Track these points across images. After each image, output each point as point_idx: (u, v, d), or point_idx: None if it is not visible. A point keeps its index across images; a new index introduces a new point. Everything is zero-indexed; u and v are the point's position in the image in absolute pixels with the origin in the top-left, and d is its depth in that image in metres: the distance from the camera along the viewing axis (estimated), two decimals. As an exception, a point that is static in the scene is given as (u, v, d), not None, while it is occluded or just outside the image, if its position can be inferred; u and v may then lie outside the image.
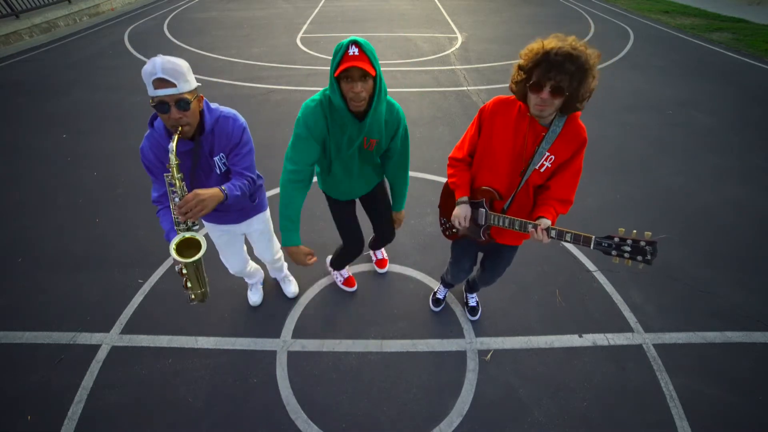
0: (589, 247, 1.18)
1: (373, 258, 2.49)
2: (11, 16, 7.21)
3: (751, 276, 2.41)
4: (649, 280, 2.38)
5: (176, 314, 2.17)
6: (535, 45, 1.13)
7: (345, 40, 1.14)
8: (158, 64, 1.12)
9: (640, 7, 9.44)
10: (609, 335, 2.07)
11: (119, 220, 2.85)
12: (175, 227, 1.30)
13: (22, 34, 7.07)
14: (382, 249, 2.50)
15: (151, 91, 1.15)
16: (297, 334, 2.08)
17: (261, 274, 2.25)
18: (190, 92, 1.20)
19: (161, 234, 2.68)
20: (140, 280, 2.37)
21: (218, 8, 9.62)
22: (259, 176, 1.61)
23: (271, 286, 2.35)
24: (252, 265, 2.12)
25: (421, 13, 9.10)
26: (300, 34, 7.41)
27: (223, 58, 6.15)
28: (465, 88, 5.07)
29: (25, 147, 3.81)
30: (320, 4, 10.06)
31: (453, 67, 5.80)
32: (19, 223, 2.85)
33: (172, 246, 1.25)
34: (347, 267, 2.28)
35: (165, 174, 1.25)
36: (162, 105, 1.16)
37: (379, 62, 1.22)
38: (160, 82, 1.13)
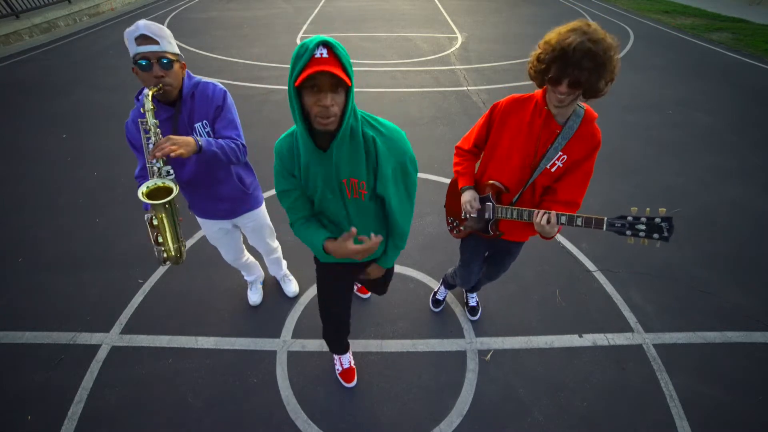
0: (602, 228, 1.16)
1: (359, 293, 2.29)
2: (11, 16, 7.21)
3: (751, 276, 2.41)
4: (649, 279, 2.38)
5: (176, 314, 2.17)
6: (554, 37, 1.09)
7: (310, 40, 0.86)
8: (141, 23, 1.17)
9: (640, 7, 9.45)
10: (609, 335, 2.07)
11: (119, 220, 2.85)
12: (149, 175, 1.25)
13: (22, 34, 7.07)
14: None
15: (133, 49, 1.16)
16: (297, 334, 2.08)
17: (260, 272, 2.25)
18: (172, 54, 1.23)
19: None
20: (140, 280, 2.37)
21: (218, 8, 9.62)
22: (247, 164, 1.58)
23: (271, 286, 2.35)
24: (248, 257, 2.09)
25: (421, 13, 9.10)
26: (300, 34, 7.41)
27: (223, 58, 6.15)
28: (465, 88, 5.07)
29: (25, 147, 3.81)
30: (320, 4, 10.06)
31: (453, 67, 5.80)
32: (19, 223, 2.85)
33: (142, 190, 1.19)
34: (350, 354, 1.90)
35: (140, 119, 1.22)
36: (144, 62, 1.17)
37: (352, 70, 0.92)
38: (143, 39, 1.15)
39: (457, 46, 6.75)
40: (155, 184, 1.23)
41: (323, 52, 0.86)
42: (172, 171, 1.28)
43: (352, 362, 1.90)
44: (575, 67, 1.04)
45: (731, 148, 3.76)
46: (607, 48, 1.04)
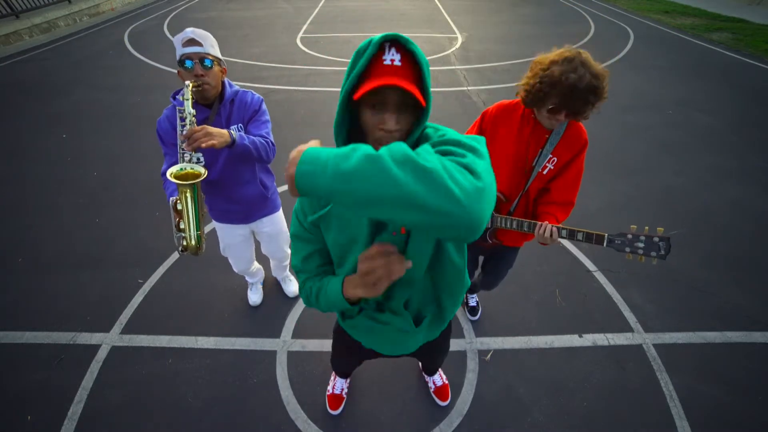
0: (602, 245, 1.19)
1: (431, 386, 1.81)
2: (11, 16, 7.21)
3: (751, 276, 2.40)
4: (649, 280, 2.38)
5: (176, 314, 2.17)
6: (557, 71, 1.08)
7: (377, 37, 0.65)
8: (189, 30, 1.28)
9: (640, 7, 9.44)
10: (609, 335, 2.07)
11: (119, 220, 2.85)
12: (179, 160, 1.28)
13: (22, 34, 7.07)
14: (440, 371, 1.83)
15: (180, 51, 1.28)
16: (297, 334, 2.08)
17: (262, 273, 2.26)
18: (214, 57, 1.33)
19: (161, 234, 2.68)
20: (140, 280, 2.37)
21: (218, 8, 9.62)
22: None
23: (271, 286, 2.35)
24: (255, 265, 2.12)
25: (421, 13, 9.10)
26: (300, 34, 7.41)
27: (223, 58, 6.14)
28: (465, 88, 5.07)
29: (25, 147, 3.80)
30: (320, 4, 10.06)
31: (453, 67, 5.80)
32: (19, 223, 2.85)
33: (171, 171, 1.21)
34: (346, 381, 1.79)
35: (178, 107, 1.27)
36: (187, 61, 1.27)
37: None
38: (189, 42, 1.26)
39: (457, 46, 6.74)
40: (184, 169, 1.25)
41: (395, 58, 0.65)
42: (202, 158, 1.32)
43: (346, 390, 1.78)
44: (581, 102, 1.09)
45: (731, 148, 3.76)
46: (604, 79, 1.09)
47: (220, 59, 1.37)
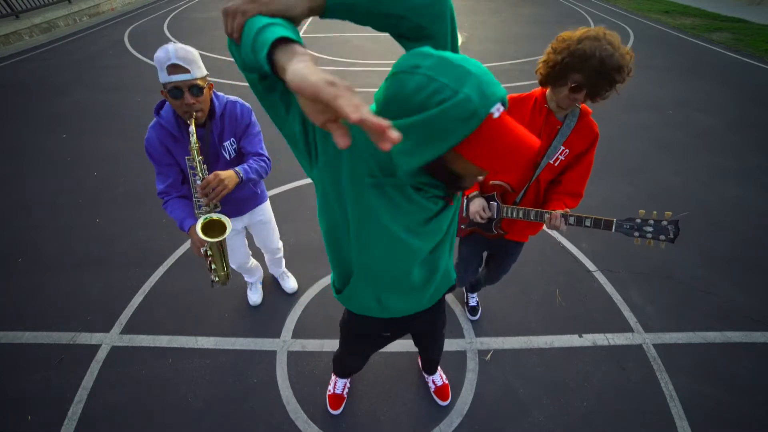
0: (611, 230, 1.21)
1: (431, 386, 1.82)
2: (11, 16, 7.21)
3: (750, 276, 2.41)
4: (649, 280, 2.38)
5: (176, 314, 2.17)
6: (588, 45, 1.04)
7: (481, 89, 0.55)
8: (171, 50, 1.15)
9: (640, 7, 9.44)
10: (609, 335, 2.07)
11: (119, 220, 2.85)
12: (196, 210, 1.35)
13: (22, 34, 7.07)
14: (440, 371, 1.84)
15: (164, 77, 1.18)
16: (297, 334, 2.08)
17: (260, 272, 2.25)
18: (202, 78, 1.25)
19: (162, 234, 2.68)
20: (140, 281, 2.37)
21: (218, 8, 9.59)
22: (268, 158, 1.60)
23: (271, 286, 2.35)
24: (252, 261, 2.12)
25: (421, 13, 9.09)
26: (300, 34, 7.40)
27: (223, 58, 6.14)
28: (465, 88, 5.06)
29: (25, 147, 3.80)
30: (320, 4, 10.05)
31: (453, 67, 5.79)
32: (19, 223, 2.85)
33: (198, 226, 1.27)
34: (347, 381, 1.79)
35: (186, 157, 1.29)
36: (175, 90, 1.19)
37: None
38: (174, 68, 1.16)
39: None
40: (209, 218, 1.31)
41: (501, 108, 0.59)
42: (219, 204, 1.37)
43: (347, 390, 1.78)
44: (607, 81, 1.06)
45: (731, 148, 3.76)
46: (631, 59, 1.07)
47: (206, 78, 1.29)
